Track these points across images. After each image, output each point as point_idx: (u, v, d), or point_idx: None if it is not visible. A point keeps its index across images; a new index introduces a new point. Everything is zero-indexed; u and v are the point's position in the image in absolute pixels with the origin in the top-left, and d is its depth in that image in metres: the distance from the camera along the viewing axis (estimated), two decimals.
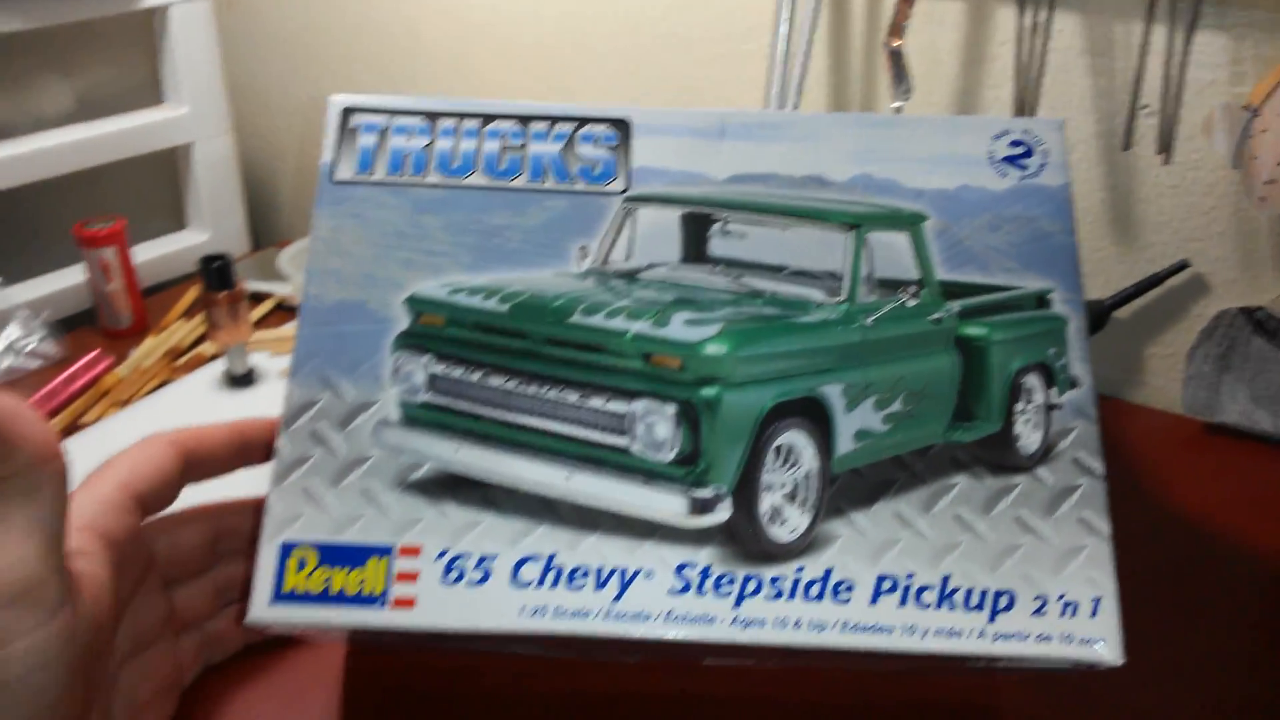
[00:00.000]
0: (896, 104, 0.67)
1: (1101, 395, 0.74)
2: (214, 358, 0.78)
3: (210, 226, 0.97)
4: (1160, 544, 0.57)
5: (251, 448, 0.41)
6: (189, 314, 0.86)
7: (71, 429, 0.70)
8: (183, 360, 0.78)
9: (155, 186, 0.97)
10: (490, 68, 0.93)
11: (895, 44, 0.66)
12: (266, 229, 1.11)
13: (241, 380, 0.73)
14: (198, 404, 0.73)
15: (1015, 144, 0.42)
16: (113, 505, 0.36)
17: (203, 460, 0.40)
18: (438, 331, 0.40)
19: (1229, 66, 0.64)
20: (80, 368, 0.74)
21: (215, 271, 0.69)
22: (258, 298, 0.87)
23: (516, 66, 0.91)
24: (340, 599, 0.35)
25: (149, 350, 0.79)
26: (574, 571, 0.36)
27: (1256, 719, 0.46)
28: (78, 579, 0.33)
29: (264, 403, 0.72)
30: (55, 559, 0.32)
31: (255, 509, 0.43)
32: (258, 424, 0.41)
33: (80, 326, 0.85)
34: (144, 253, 0.91)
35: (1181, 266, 0.70)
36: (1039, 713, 0.46)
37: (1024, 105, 0.67)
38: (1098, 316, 0.71)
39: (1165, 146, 0.64)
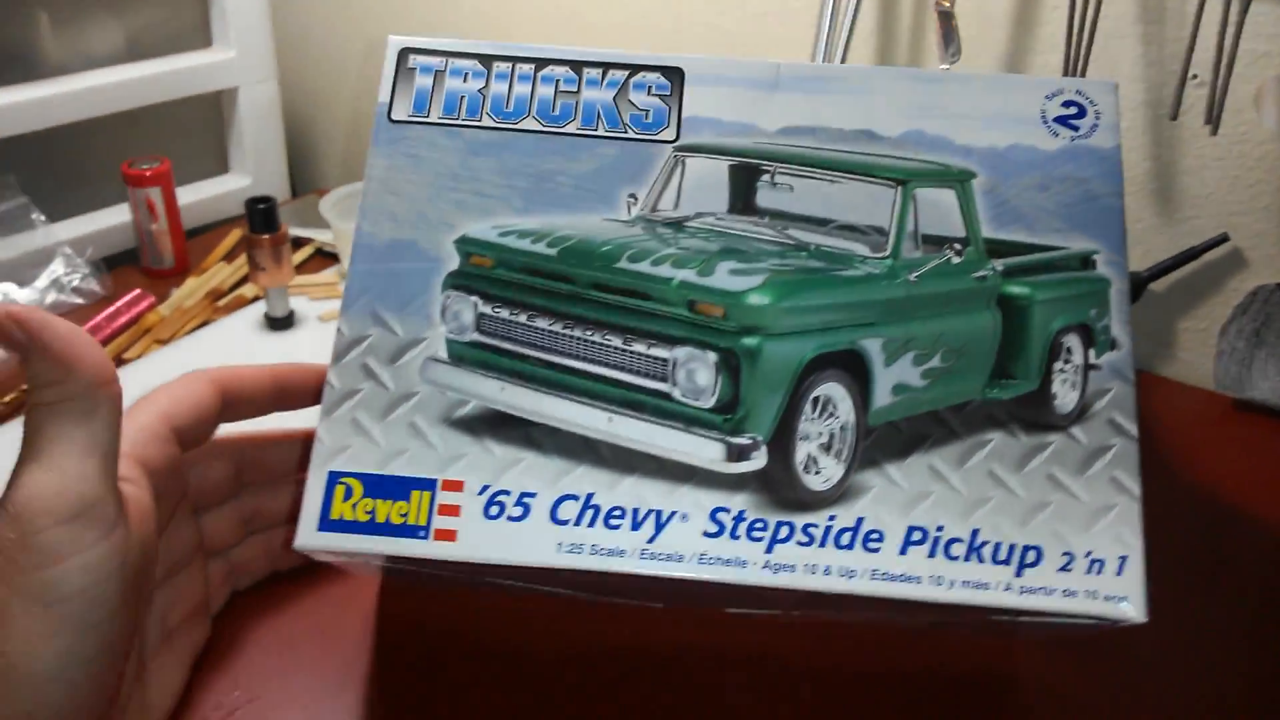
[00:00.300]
0: (944, 66, 0.66)
1: None
2: (254, 300, 0.79)
3: (252, 171, 0.98)
4: (1185, 519, 0.57)
5: (289, 393, 0.42)
6: (230, 256, 0.87)
7: (114, 364, 0.72)
8: (224, 301, 0.80)
9: (200, 130, 0.98)
10: (537, 23, 0.93)
11: (945, 5, 0.66)
12: (306, 176, 1.12)
13: (281, 323, 0.75)
14: (237, 345, 0.74)
15: (1068, 104, 0.42)
16: (154, 435, 0.38)
17: (240, 401, 0.41)
18: (487, 272, 0.41)
19: None
20: (123, 305, 0.76)
21: (261, 213, 0.70)
22: (297, 243, 0.89)
23: (564, 20, 0.91)
24: (384, 528, 0.36)
25: (190, 290, 0.81)
26: (611, 511, 0.37)
27: (1275, 693, 0.47)
28: (125, 502, 0.34)
29: (303, 345, 0.74)
30: (111, 479, 0.33)
31: (276, 443, 0.44)
32: (297, 369, 0.42)
33: (123, 265, 0.86)
34: (187, 195, 0.92)
35: (1221, 240, 0.69)
36: (1057, 680, 0.46)
37: (1073, 72, 0.66)
38: (1134, 288, 0.71)
39: (1214, 118, 0.63)
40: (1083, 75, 0.66)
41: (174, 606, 0.41)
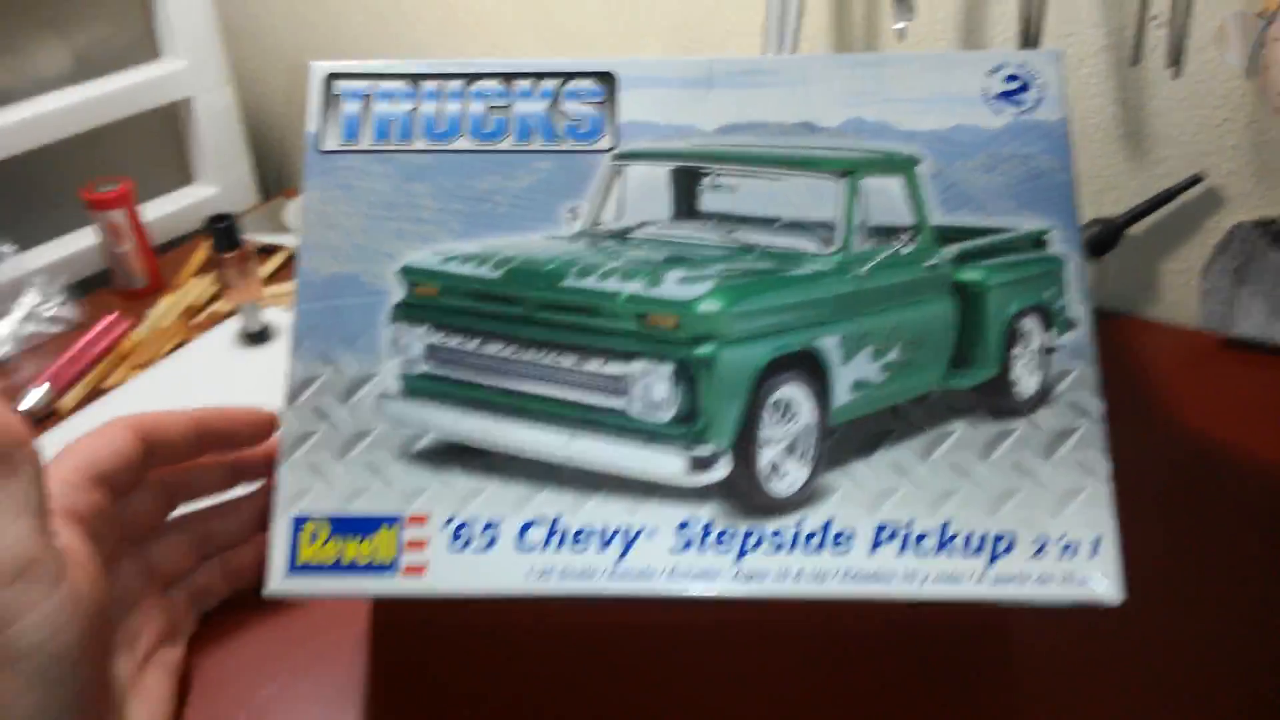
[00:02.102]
0: (900, 24, 0.65)
1: (1116, 312, 0.74)
2: (231, 314, 0.79)
3: (217, 179, 0.97)
4: (1176, 459, 0.57)
5: (211, 437, 0.43)
6: (202, 271, 0.86)
7: (94, 394, 0.72)
8: (200, 318, 0.79)
9: (159, 143, 0.97)
10: (499, 28, 0.91)
11: None
12: (275, 177, 1.11)
13: (257, 337, 0.74)
14: (216, 363, 0.74)
15: (1011, 79, 0.41)
16: (74, 486, 0.38)
17: (163, 447, 0.42)
18: (433, 301, 0.41)
19: None
20: (99, 332, 0.76)
21: (221, 233, 0.70)
22: (269, 250, 0.88)
23: (507, 10, 0.90)
24: (353, 568, 0.37)
25: (165, 310, 0.80)
26: (578, 533, 0.37)
27: (1267, 636, 0.47)
28: (64, 554, 0.34)
29: (282, 358, 0.73)
30: (46, 535, 0.33)
31: (205, 466, 0.44)
32: (219, 414, 0.43)
33: (97, 288, 0.86)
34: (153, 210, 0.91)
35: (1195, 181, 0.68)
36: (1048, 635, 0.46)
37: (1030, 19, 0.64)
38: (1111, 234, 0.70)
39: (1176, 59, 0.62)
40: (1040, 22, 0.65)
41: (140, 636, 0.41)
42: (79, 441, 0.40)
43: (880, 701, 0.42)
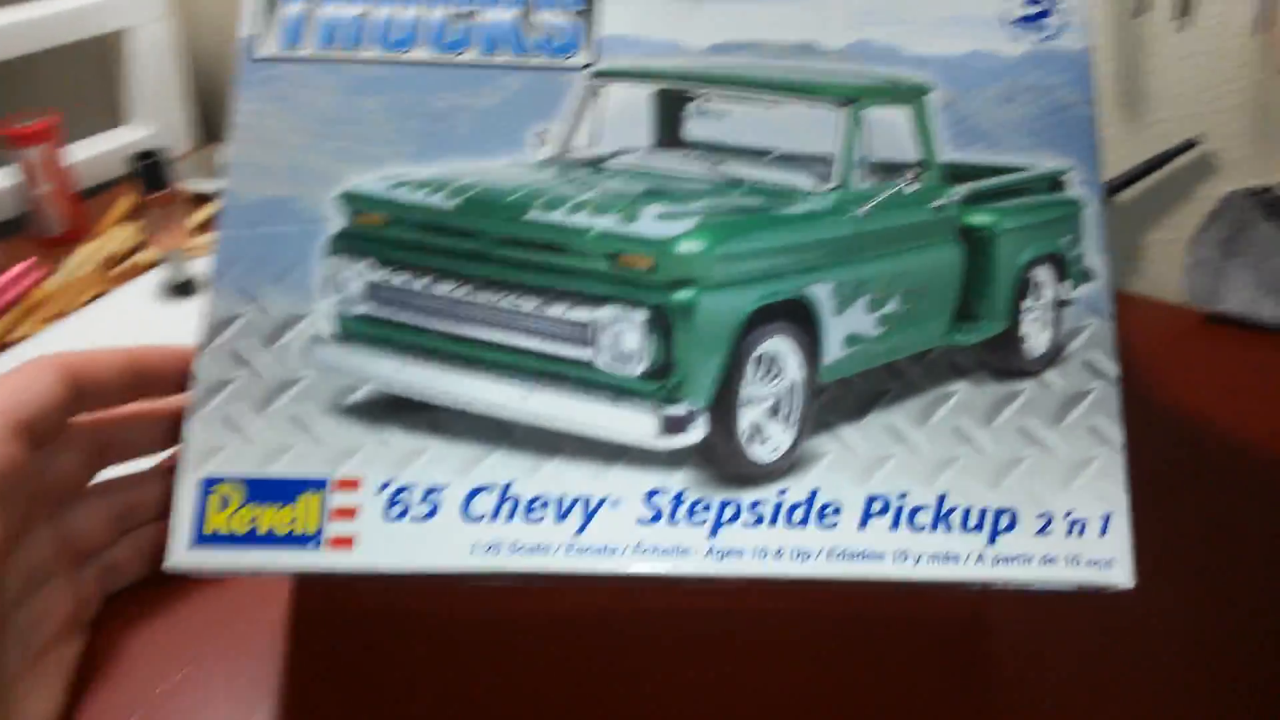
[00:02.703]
0: None
1: None
2: (155, 265, 0.73)
3: (151, 121, 0.90)
4: (1158, 439, 0.54)
5: (149, 378, 0.37)
6: (128, 218, 0.80)
7: (1, 346, 0.65)
8: (119, 270, 0.73)
9: (89, 78, 0.89)
10: None
11: None
12: (215, 122, 1.04)
13: (181, 289, 0.68)
14: (136, 317, 0.68)
15: (1031, 2, 0.37)
16: None
17: (93, 389, 0.36)
18: (377, 232, 0.35)
19: None
20: (9, 280, 0.69)
21: (147, 170, 0.64)
22: (205, 199, 0.82)
23: None
24: (269, 540, 0.32)
25: (83, 259, 0.74)
26: (532, 502, 0.32)
27: (1263, 619, 0.44)
28: None
29: None
30: None
31: (138, 421, 0.39)
32: (157, 351, 0.37)
33: (11, 235, 0.79)
34: (78, 152, 0.84)
35: (1189, 145, 0.65)
36: (1032, 624, 0.43)
37: None
38: None
39: (1184, 8, 0.58)
40: None
41: (40, 623, 0.36)
42: None
43: (867, 697, 0.38)
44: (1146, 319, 0.66)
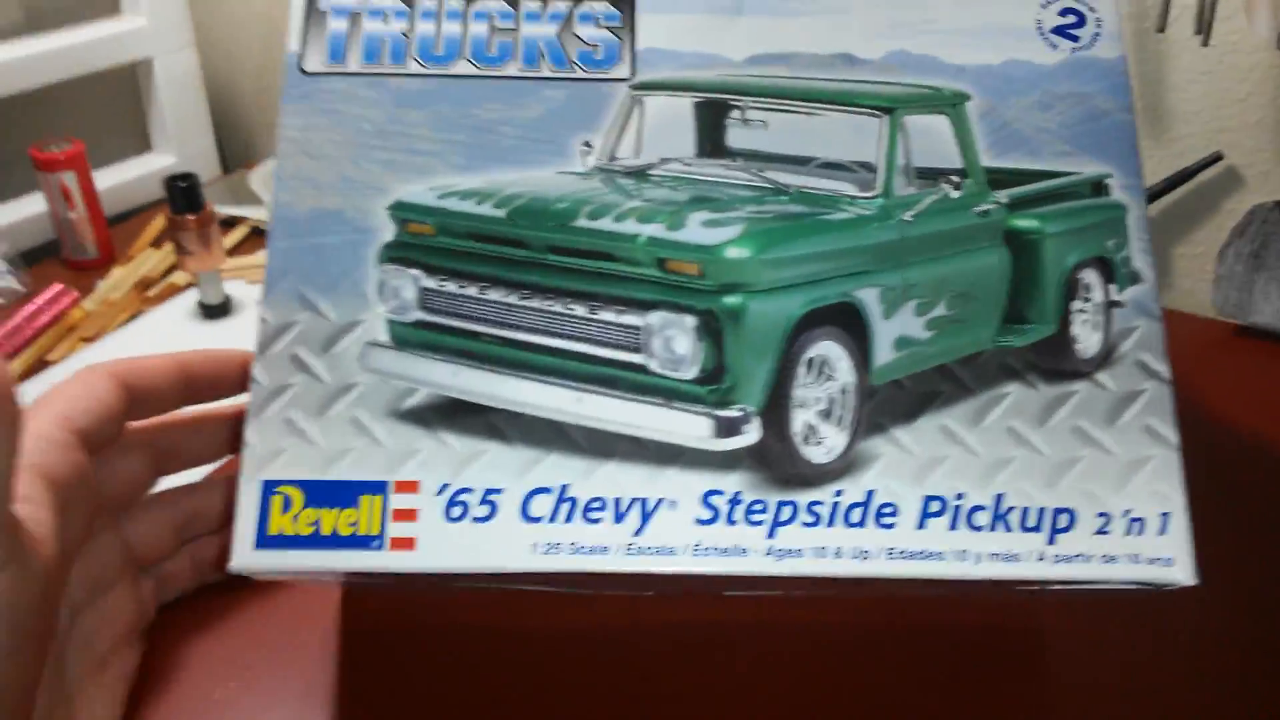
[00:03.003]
0: None
1: None
2: (187, 287, 0.74)
3: (176, 148, 0.91)
4: (1193, 452, 0.54)
5: (200, 383, 0.37)
6: (159, 242, 0.81)
7: (38, 367, 0.66)
8: (154, 291, 0.74)
9: (116, 106, 0.91)
10: None
11: None
12: (236, 150, 1.05)
13: (216, 310, 0.69)
14: (170, 337, 0.68)
15: (1066, 12, 0.38)
16: (54, 443, 0.33)
17: (146, 395, 0.36)
18: (428, 241, 0.36)
19: None
20: (43, 303, 0.70)
21: (181, 192, 0.65)
22: (230, 223, 0.83)
23: None
24: (332, 541, 0.32)
25: (117, 282, 0.74)
26: (590, 503, 0.32)
27: None
28: (21, 529, 0.29)
29: (242, 334, 0.68)
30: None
31: (197, 428, 0.39)
32: (207, 356, 0.37)
33: (44, 259, 0.80)
34: (107, 178, 0.86)
35: (1215, 159, 0.66)
36: (1082, 634, 0.43)
37: None
38: None
39: (1204, 27, 0.59)
40: None
41: (102, 630, 0.36)
42: (54, 391, 0.35)
43: (902, 711, 0.38)
44: (1177, 332, 0.66)
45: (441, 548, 0.32)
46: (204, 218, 0.65)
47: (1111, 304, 0.36)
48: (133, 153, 0.91)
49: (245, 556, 0.32)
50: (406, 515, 0.32)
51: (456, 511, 0.32)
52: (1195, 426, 0.56)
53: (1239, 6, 0.60)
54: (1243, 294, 0.66)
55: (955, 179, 0.37)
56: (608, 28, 0.37)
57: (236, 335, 0.68)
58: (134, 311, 0.72)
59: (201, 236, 0.66)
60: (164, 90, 0.88)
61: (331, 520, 0.32)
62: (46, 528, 0.30)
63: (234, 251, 0.79)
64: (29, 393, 0.28)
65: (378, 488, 0.32)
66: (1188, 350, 0.65)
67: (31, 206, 0.81)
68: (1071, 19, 0.38)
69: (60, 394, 0.34)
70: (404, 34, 0.37)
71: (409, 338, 0.36)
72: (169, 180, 0.65)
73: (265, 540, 0.32)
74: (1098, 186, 0.36)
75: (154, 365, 0.37)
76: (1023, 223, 0.38)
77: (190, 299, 0.72)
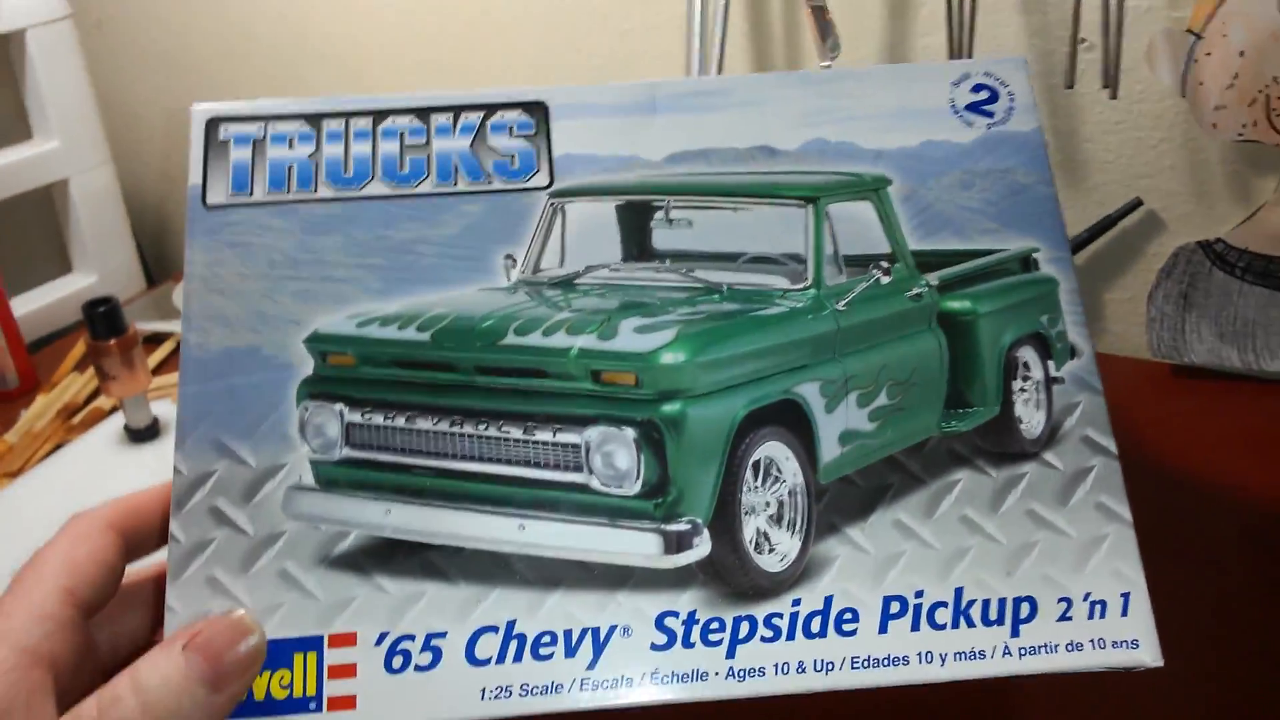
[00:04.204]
0: (824, 64, 0.62)
1: None
2: (113, 411, 0.71)
3: (98, 267, 0.89)
4: (1143, 494, 0.54)
5: None
6: (82, 366, 0.78)
7: None
8: (78, 418, 0.71)
9: (33, 229, 0.89)
10: (386, 63, 0.86)
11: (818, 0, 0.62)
12: (162, 262, 1.03)
13: (144, 434, 0.66)
14: (98, 465, 0.66)
15: (978, 89, 0.38)
16: (58, 623, 0.30)
17: (142, 537, 0.34)
18: (350, 373, 0.35)
19: None
20: None
21: (101, 317, 0.62)
22: (157, 339, 0.80)
23: (414, 59, 0.85)
24: (266, 707, 0.30)
25: (40, 411, 0.72)
26: (539, 639, 0.31)
27: (1254, 662, 0.43)
28: None
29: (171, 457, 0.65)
30: None
31: None
32: None
33: None
34: (26, 303, 0.83)
35: (1135, 205, 0.67)
36: (1057, 699, 0.42)
37: (959, 52, 0.63)
38: None
39: (1110, 81, 0.60)
40: (969, 53, 0.63)
41: None
42: (51, 553, 0.31)
43: None
44: (1115, 376, 0.67)
45: (384, 704, 0.30)
46: (126, 341, 0.63)
47: (1051, 380, 0.35)
48: (52, 275, 0.88)
49: None
50: (344, 671, 0.30)
51: (398, 661, 0.30)
52: (1139, 469, 0.56)
53: (1141, 59, 0.62)
54: (1175, 335, 0.66)
55: (884, 264, 0.36)
56: (522, 136, 0.37)
57: (168, 459, 0.65)
58: (59, 440, 0.69)
59: (125, 360, 0.63)
60: (81, 209, 0.86)
61: (264, 684, 0.30)
62: None
63: (160, 369, 0.76)
64: None
65: (312, 644, 0.30)
66: (1127, 394, 0.65)
67: None
68: (984, 95, 0.38)
69: (56, 557, 0.31)
70: (311, 158, 0.36)
71: (336, 477, 0.34)
72: (87, 306, 0.63)
73: None
74: (1026, 262, 0.36)
75: (146, 503, 0.34)
76: (956, 304, 0.38)
77: (116, 423, 0.69)
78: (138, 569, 0.35)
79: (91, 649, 0.32)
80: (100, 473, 0.65)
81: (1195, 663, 0.42)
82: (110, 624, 0.34)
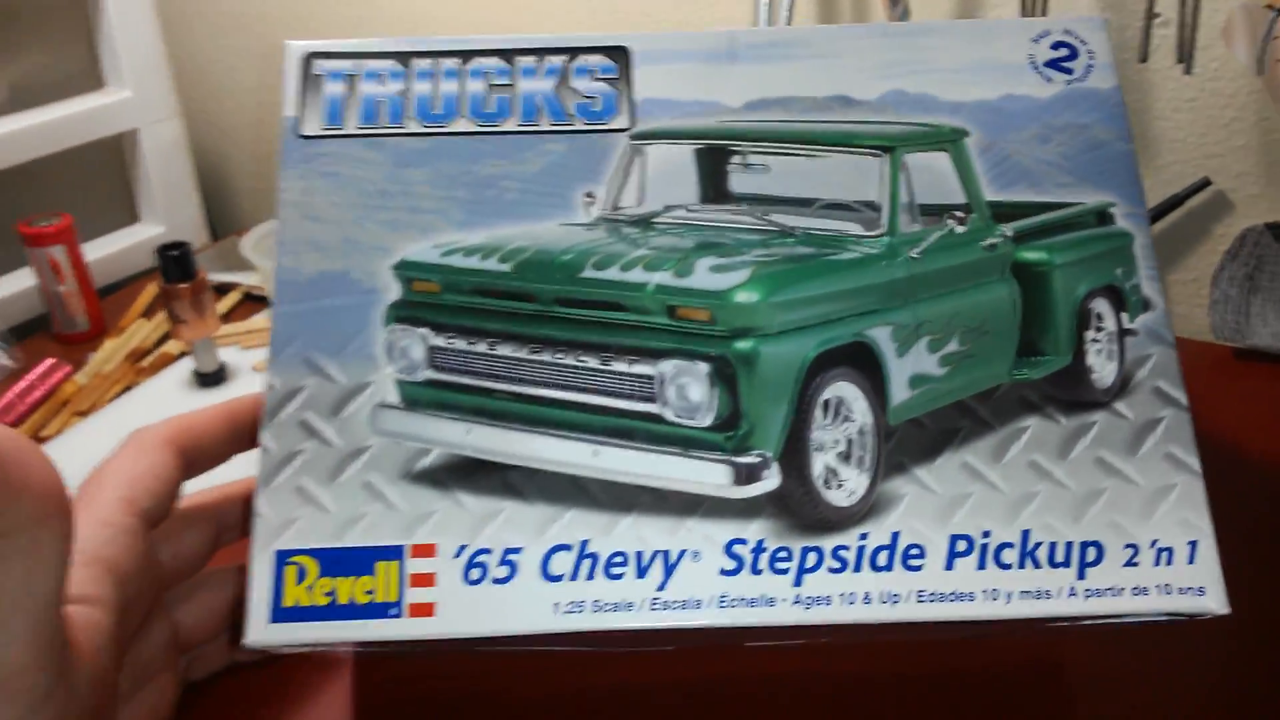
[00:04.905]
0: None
1: None
2: (180, 356, 0.73)
3: (165, 218, 0.91)
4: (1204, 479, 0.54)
5: (245, 431, 0.36)
6: (149, 312, 0.80)
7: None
8: (147, 361, 0.73)
9: (104, 178, 0.91)
10: (455, 24, 0.87)
11: None
12: (224, 218, 1.05)
13: (212, 378, 0.68)
14: (166, 408, 0.67)
15: (1057, 45, 0.38)
16: (120, 529, 0.31)
17: (199, 454, 0.35)
18: (434, 299, 0.36)
19: None
20: (35, 378, 0.69)
21: (174, 261, 0.64)
22: (222, 290, 0.82)
23: (484, 20, 0.86)
24: (349, 611, 0.31)
25: (109, 354, 0.74)
26: (611, 559, 0.32)
27: None
28: (77, 639, 0.28)
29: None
30: (47, 636, 0.26)
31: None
32: (248, 402, 0.36)
33: (34, 334, 0.79)
34: (96, 250, 0.85)
35: (1203, 185, 0.66)
36: (1105, 669, 0.42)
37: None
38: None
39: (1185, 56, 0.60)
40: None
41: (137, 718, 0.34)
42: (110, 465, 0.33)
43: None
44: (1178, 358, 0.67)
45: (461, 612, 0.31)
46: (197, 285, 0.65)
47: (1125, 332, 0.36)
48: (121, 224, 0.91)
49: (260, 632, 0.31)
50: (424, 580, 0.31)
51: (475, 574, 0.31)
52: (1202, 451, 0.56)
53: (1218, 35, 0.61)
54: (1239, 317, 0.66)
55: (960, 214, 0.37)
56: (604, 79, 0.37)
57: None
58: (128, 383, 0.71)
59: (195, 305, 0.65)
60: (151, 160, 0.89)
61: (348, 589, 0.31)
62: (104, 634, 0.29)
63: (227, 318, 0.78)
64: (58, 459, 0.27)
65: (394, 553, 0.32)
66: (1189, 375, 0.64)
67: (20, 282, 0.80)
68: (1064, 52, 0.38)
69: (117, 470, 0.33)
70: (401, 94, 0.37)
71: (419, 398, 0.35)
72: (161, 249, 0.65)
73: (280, 613, 0.31)
74: (1102, 216, 0.36)
75: (205, 422, 0.35)
76: (1030, 255, 0.38)
77: (184, 368, 0.71)
78: (199, 493, 0.37)
79: (152, 561, 0.33)
80: (168, 414, 0.67)
81: (1265, 618, 0.42)
82: (171, 541, 0.35)
